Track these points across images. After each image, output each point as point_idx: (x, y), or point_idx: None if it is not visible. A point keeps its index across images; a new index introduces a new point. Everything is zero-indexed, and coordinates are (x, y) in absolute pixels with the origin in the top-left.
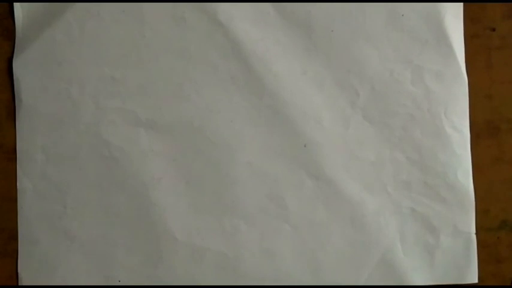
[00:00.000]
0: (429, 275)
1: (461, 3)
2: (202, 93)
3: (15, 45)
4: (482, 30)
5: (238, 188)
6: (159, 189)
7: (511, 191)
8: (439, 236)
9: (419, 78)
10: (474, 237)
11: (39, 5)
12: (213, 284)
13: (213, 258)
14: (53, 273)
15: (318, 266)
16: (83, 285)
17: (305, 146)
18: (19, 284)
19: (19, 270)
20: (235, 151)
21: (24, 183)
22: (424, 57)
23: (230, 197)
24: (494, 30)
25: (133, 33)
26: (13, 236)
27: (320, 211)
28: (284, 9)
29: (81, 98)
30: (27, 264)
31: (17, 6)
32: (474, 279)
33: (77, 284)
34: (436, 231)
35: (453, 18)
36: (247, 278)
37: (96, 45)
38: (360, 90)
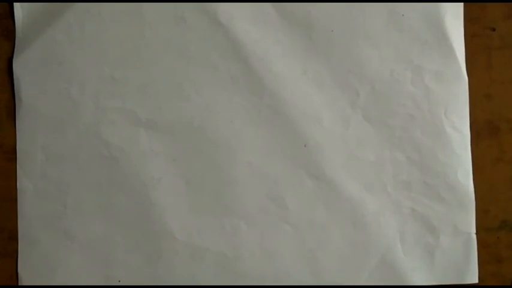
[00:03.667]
0: (429, 275)
1: (461, 3)
2: (202, 93)
3: (15, 45)
4: (482, 30)
5: (238, 188)
6: (159, 189)
7: (511, 191)
8: (439, 236)
9: (419, 78)
10: (474, 237)
11: (39, 5)
12: (213, 284)
13: (213, 258)
14: (53, 273)
15: (318, 266)
16: (83, 285)
17: (305, 146)
18: (19, 284)
19: (19, 270)
20: (235, 151)
21: (24, 183)
22: (424, 57)
23: (230, 197)
24: (494, 30)
25: (133, 33)
26: (13, 236)
27: (320, 211)
28: (284, 9)
29: (81, 98)
30: (27, 264)
31: (17, 6)
32: (474, 279)
33: (77, 284)
34: (436, 231)
35: (453, 18)
36: (247, 278)
37: (96, 45)
38: (360, 90)
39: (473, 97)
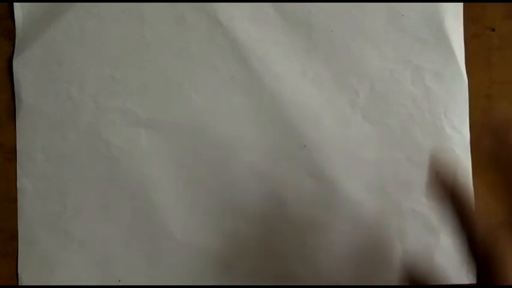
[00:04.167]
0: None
1: (461, 3)
2: (202, 93)
3: (15, 45)
4: (482, 30)
5: (238, 188)
6: (159, 189)
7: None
8: (439, 236)
9: (419, 78)
10: None
11: (39, 5)
12: (213, 284)
13: (213, 258)
14: (53, 273)
15: (318, 266)
16: (82, 285)
17: (305, 146)
18: (19, 284)
19: (19, 270)
20: (235, 151)
21: (24, 183)
22: (424, 57)
23: (230, 197)
24: (494, 30)
25: (134, 33)
26: (13, 236)
27: (320, 211)
28: (284, 9)
29: (81, 98)
30: (27, 264)
31: (17, 6)
32: (474, 279)
33: (77, 284)
34: (436, 231)
35: (453, 18)
36: (247, 278)
37: (96, 45)
38: (359, 90)
39: (473, 97)
